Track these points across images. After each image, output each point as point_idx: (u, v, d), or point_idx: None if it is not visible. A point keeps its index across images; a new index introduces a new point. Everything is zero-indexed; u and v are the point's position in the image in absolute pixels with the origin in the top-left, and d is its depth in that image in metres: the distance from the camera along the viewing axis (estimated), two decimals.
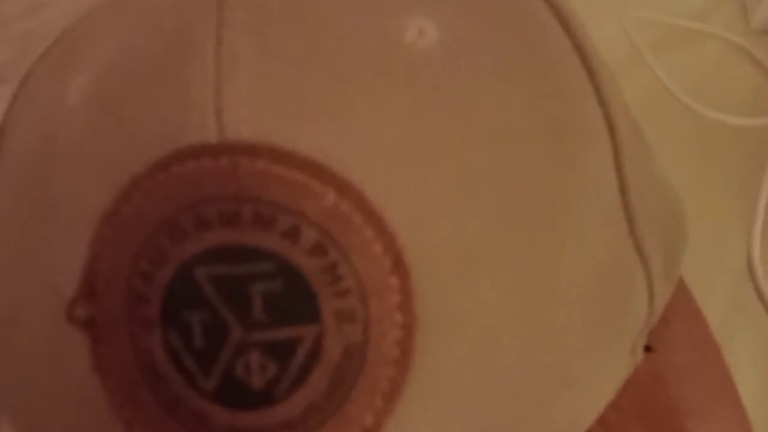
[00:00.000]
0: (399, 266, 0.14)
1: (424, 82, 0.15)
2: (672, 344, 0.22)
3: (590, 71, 0.17)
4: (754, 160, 0.41)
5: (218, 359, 0.14)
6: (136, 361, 0.14)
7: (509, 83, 0.16)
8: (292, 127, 0.14)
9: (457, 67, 0.15)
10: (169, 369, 0.14)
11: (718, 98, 0.44)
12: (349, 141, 0.14)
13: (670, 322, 0.22)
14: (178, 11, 0.15)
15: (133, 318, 0.14)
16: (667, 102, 0.45)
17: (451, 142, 0.15)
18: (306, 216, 0.14)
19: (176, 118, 0.14)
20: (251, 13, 0.15)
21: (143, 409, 0.14)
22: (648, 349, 0.21)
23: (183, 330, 0.14)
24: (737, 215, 0.39)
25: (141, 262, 0.14)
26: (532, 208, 0.15)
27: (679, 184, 0.23)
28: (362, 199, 0.14)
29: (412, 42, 0.15)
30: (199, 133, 0.14)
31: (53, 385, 0.15)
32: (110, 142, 0.15)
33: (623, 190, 0.18)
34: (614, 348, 0.18)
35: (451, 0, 0.16)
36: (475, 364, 0.15)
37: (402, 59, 0.15)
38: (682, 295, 0.23)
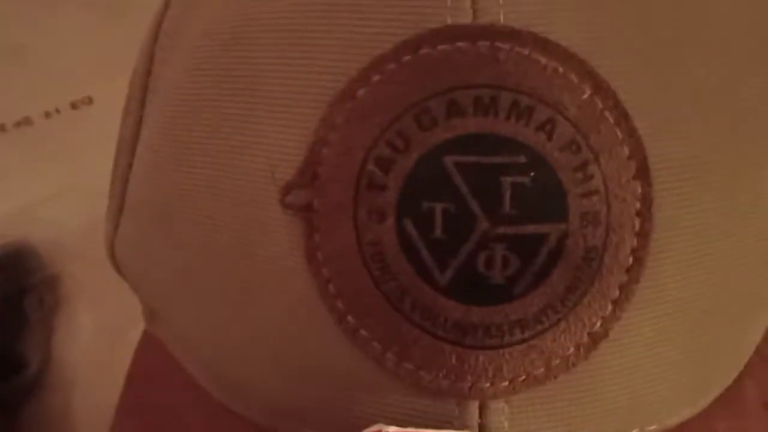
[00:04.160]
0: (643, 171, 0.14)
1: None
2: None
3: None
4: None
5: (459, 251, 0.13)
6: (360, 251, 0.14)
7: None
8: (549, 15, 0.13)
9: None
10: (400, 260, 0.14)
11: None
12: (604, 36, 0.13)
13: None
14: None
15: (363, 205, 0.14)
16: None
17: (696, 52, 0.14)
18: (563, 109, 0.13)
19: None
20: None
21: (361, 300, 0.14)
22: None
23: (422, 219, 0.13)
24: None
25: (379, 148, 0.13)
26: (754, 130, 0.15)
27: None
28: (615, 97, 0.13)
29: None
30: (452, 14, 0.13)
31: (256, 272, 0.15)
32: (343, 18, 0.14)
33: None
34: None
35: None
36: (693, 279, 0.15)
37: None
38: None
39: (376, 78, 0.13)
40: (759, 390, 0.18)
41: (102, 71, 0.40)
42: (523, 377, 0.14)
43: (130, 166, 0.19)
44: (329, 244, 0.14)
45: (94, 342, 0.30)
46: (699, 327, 0.15)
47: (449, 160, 0.13)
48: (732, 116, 0.15)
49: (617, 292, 0.14)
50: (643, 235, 0.14)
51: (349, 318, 0.14)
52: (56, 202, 0.34)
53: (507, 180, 0.13)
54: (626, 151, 0.14)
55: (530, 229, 0.13)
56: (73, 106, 0.37)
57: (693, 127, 0.14)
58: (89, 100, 0.37)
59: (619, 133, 0.13)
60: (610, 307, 0.14)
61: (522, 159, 0.13)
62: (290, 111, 0.14)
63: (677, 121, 0.14)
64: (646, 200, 0.14)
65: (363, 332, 0.14)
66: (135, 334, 0.22)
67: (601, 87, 0.13)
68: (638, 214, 0.14)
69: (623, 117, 0.13)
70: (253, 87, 0.15)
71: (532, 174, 0.13)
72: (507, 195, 0.13)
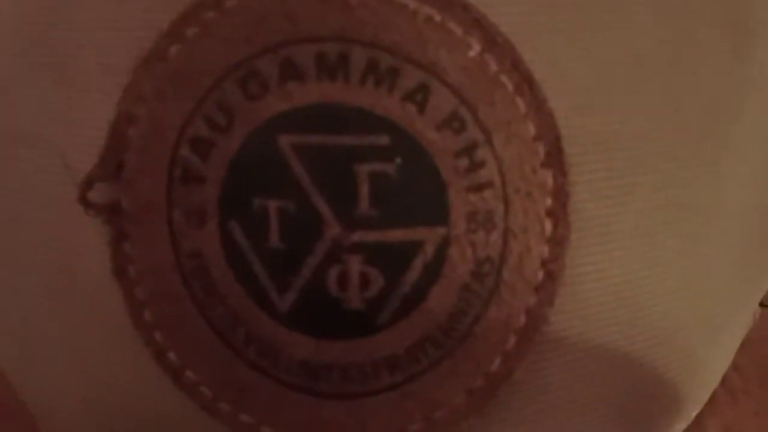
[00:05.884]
0: (555, 157, 0.10)
1: None
2: None
3: None
4: None
5: (302, 266, 0.10)
6: (177, 266, 0.10)
7: None
8: None
9: None
10: (227, 277, 0.10)
11: None
12: None
13: None
14: None
15: (178, 204, 0.10)
16: None
17: (624, 13, 0.11)
18: (441, 71, 0.10)
19: None
20: None
21: (182, 329, 0.10)
22: (762, 305, 0.18)
23: (252, 222, 0.10)
24: None
25: (194, 125, 0.10)
26: (700, 109, 0.12)
27: None
28: (515, 56, 0.10)
29: None
30: None
31: (73, 291, 0.11)
32: None
33: None
34: (754, 298, 0.15)
35: None
36: (625, 298, 0.11)
37: None
38: None
39: (191, 31, 0.10)
40: None
41: None
42: None
43: None
44: (141, 256, 0.11)
45: None
46: (634, 363, 0.12)
47: (285, 141, 0.10)
48: (673, 89, 0.11)
49: (523, 319, 0.10)
50: (557, 241, 0.10)
51: (171, 355, 0.11)
52: None
53: (363, 168, 0.10)
54: (531, 129, 0.10)
55: (397, 235, 0.10)
56: None
57: (625, 102, 0.11)
58: None
59: (521, 105, 0.10)
60: (513, 339, 0.10)
61: (383, 140, 0.10)
62: (91, 81, 0.11)
63: (603, 93, 0.11)
64: (560, 195, 0.10)
65: (189, 374, 0.11)
66: None
67: (494, 42, 0.10)
68: (549, 213, 0.10)
69: (527, 83, 0.10)
70: (54, 57, 0.11)
71: (397, 160, 0.10)
72: (364, 189, 0.10)
